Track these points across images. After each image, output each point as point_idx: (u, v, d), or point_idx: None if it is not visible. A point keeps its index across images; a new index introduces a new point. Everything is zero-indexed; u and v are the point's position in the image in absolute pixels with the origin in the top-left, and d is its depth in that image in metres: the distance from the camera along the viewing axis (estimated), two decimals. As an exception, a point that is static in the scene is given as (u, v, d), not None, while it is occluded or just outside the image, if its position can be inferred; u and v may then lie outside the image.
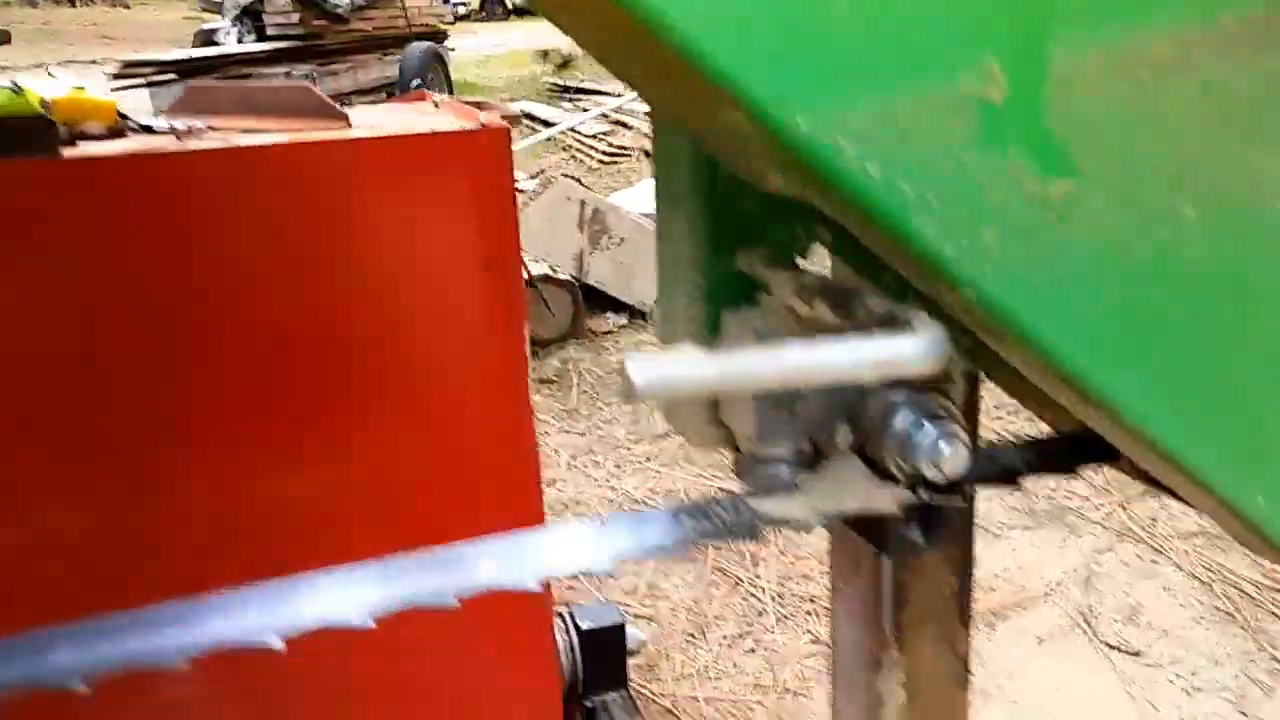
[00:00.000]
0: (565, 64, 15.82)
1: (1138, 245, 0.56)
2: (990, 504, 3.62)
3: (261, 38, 11.45)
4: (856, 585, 1.03)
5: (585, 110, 11.19)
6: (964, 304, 0.55)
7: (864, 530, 0.72)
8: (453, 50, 13.45)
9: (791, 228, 0.72)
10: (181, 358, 1.51)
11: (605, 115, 10.37)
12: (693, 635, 2.98)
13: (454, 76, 12.62)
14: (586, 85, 12.72)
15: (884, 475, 0.69)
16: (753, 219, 0.73)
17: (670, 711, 2.67)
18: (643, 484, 3.83)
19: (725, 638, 2.97)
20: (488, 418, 1.73)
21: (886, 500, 0.68)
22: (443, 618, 1.85)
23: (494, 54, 17.62)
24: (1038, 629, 2.94)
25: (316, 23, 11.25)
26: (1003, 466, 0.73)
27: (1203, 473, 0.63)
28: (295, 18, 11.14)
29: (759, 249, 0.72)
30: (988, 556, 3.30)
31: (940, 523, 0.70)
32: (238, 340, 1.54)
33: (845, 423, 0.71)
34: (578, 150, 9.75)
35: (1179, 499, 0.74)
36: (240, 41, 11.60)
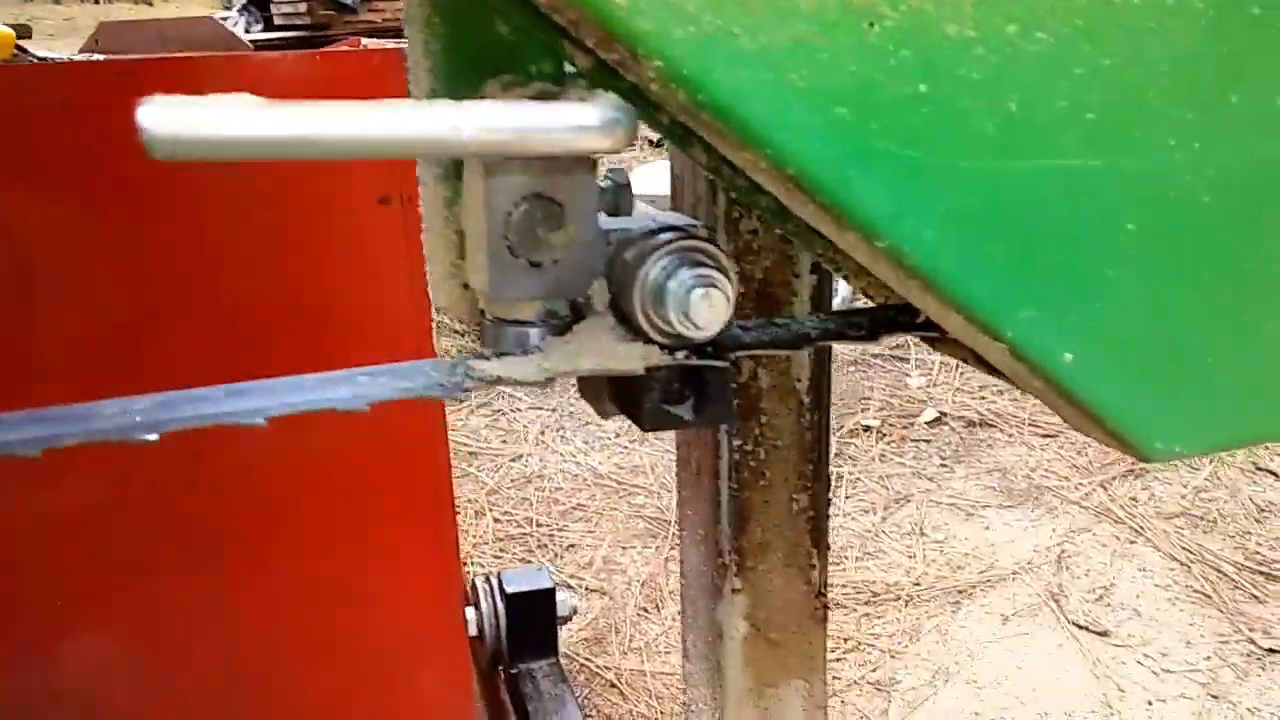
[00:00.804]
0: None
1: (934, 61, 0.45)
2: (965, 483, 3.50)
3: (269, 28, 11.40)
4: (698, 502, 0.93)
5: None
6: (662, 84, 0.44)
7: (625, 404, 0.61)
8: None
9: (542, 56, 0.62)
10: (48, 284, 1.42)
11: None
12: (645, 610, 2.87)
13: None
14: (594, 73, 12.61)
15: (638, 334, 0.58)
16: (501, 47, 0.62)
17: (614, 685, 2.57)
18: (609, 459, 3.73)
19: (678, 614, 2.86)
20: (387, 358, 1.63)
21: (631, 359, 0.58)
22: (342, 577, 1.75)
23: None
24: (1003, 608, 2.83)
25: (324, 13, 11.19)
26: (794, 334, 0.62)
27: (998, 322, 0.52)
28: (303, 8, 11.08)
29: (508, 80, 0.62)
30: (958, 534, 3.19)
31: (705, 393, 0.59)
32: (105, 267, 1.44)
33: (604, 278, 0.61)
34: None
35: (1004, 377, 0.63)
36: (247, 31, 11.55)
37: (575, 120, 0.46)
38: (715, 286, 0.56)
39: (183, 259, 1.47)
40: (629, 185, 0.72)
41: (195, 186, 1.46)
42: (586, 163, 0.61)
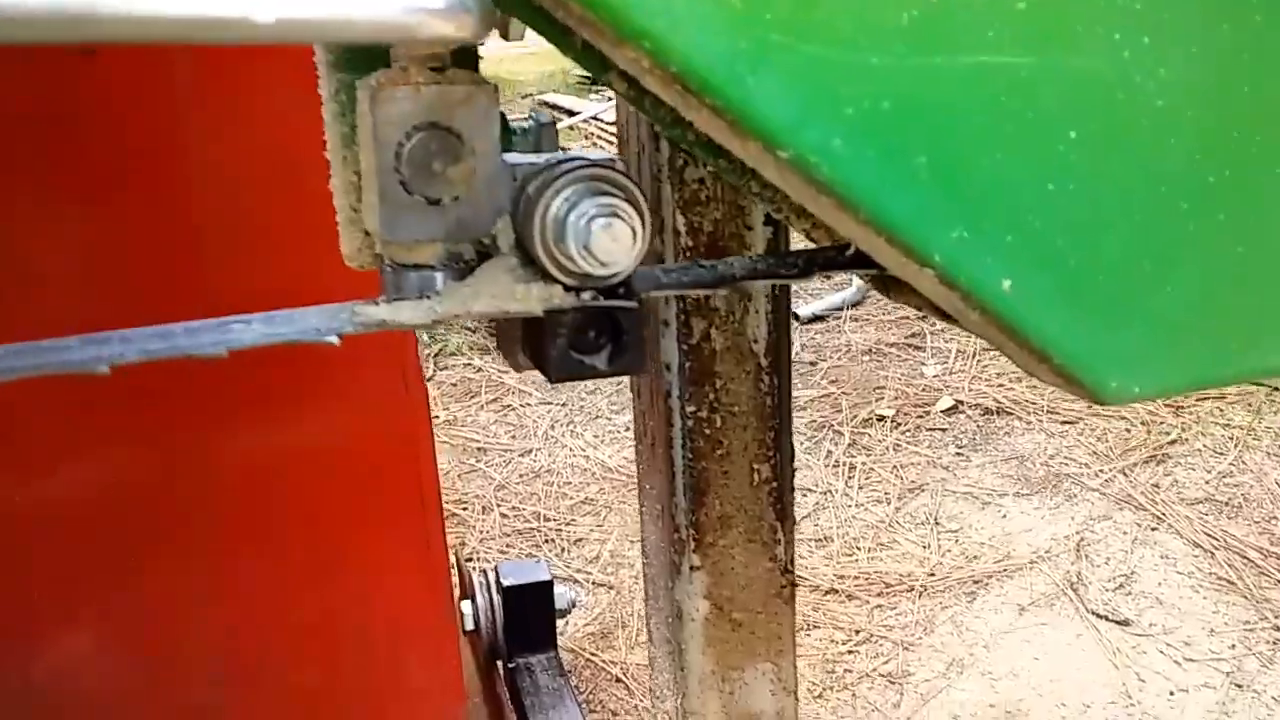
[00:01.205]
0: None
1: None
2: (982, 471, 3.42)
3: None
4: (654, 475, 0.88)
5: (610, 99, 11.11)
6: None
7: (535, 354, 0.56)
8: (482, 44, 13.39)
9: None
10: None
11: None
12: (653, 603, 2.82)
13: (484, 72, 12.51)
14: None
15: (542, 274, 0.53)
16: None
17: (619, 680, 2.52)
18: (618, 453, 3.68)
19: (686, 606, 2.81)
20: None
21: (529, 301, 0.53)
22: (327, 572, 1.71)
23: (530, 50, 17.53)
24: (1020, 597, 2.75)
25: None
26: (718, 274, 0.57)
27: (924, 244, 0.46)
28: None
29: None
30: (974, 524, 3.11)
31: (620, 340, 0.54)
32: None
33: (509, 217, 0.56)
34: (600, 138, 9.64)
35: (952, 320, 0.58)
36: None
37: (410, 2, 0.41)
38: (619, 217, 0.51)
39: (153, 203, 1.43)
40: (553, 124, 0.67)
41: (158, 153, 1.42)
42: (486, 89, 0.56)
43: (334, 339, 0.50)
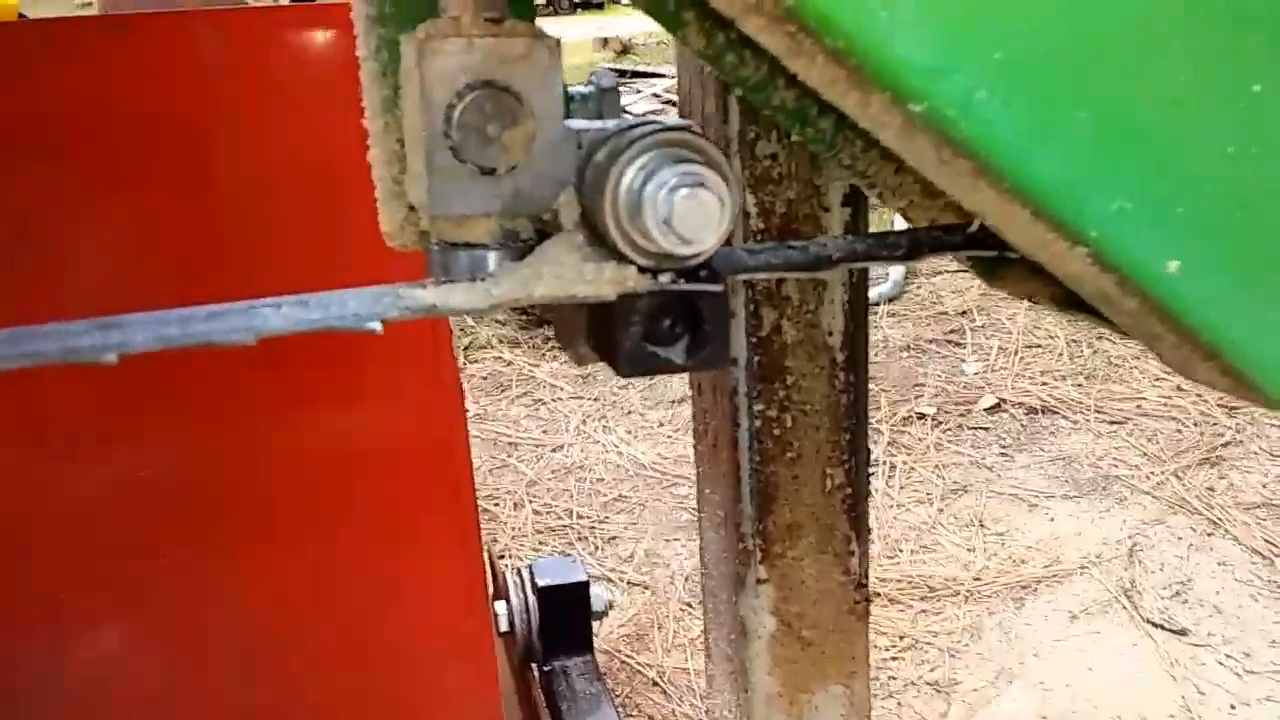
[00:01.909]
0: (625, 50, 15.78)
1: None
2: (1027, 472, 3.32)
3: None
4: (716, 479, 0.80)
5: (639, 92, 11.05)
6: None
7: (602, 346, 0.49)
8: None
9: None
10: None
11: (656, 95, 10.20)
12: (689, 605, 2.75)
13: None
14: (642, 69, 12.61)
15: (613, 253, 0.46)
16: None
17: (656, 683, 2.46)
18: (652, 449, 3.61)
19: (723, 608, 2.73)
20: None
21: (600, 283, 0.45)
22: (361, 572, 1.65)
23: (556, 42, 17.42)
24: (1071, 605, 2.65)
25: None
26: (812, 256, 0.49)
27: (1078, 217, 0.39)
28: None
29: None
30: (1021, 526, 3.02)
31: (700, 330, 0.47)
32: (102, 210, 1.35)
33: (574, 190, 0.49)
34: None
35: (1084, 311, 0.50)
36: None
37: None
38: (704, 185, 0.44)
39: (185, 209, 1.38)
40: (616, 89, 0.60)
41: (196, 136, 1.36)
42: (548, 42, 0.49)
43: (376, 325, 0.43)
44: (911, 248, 0.51)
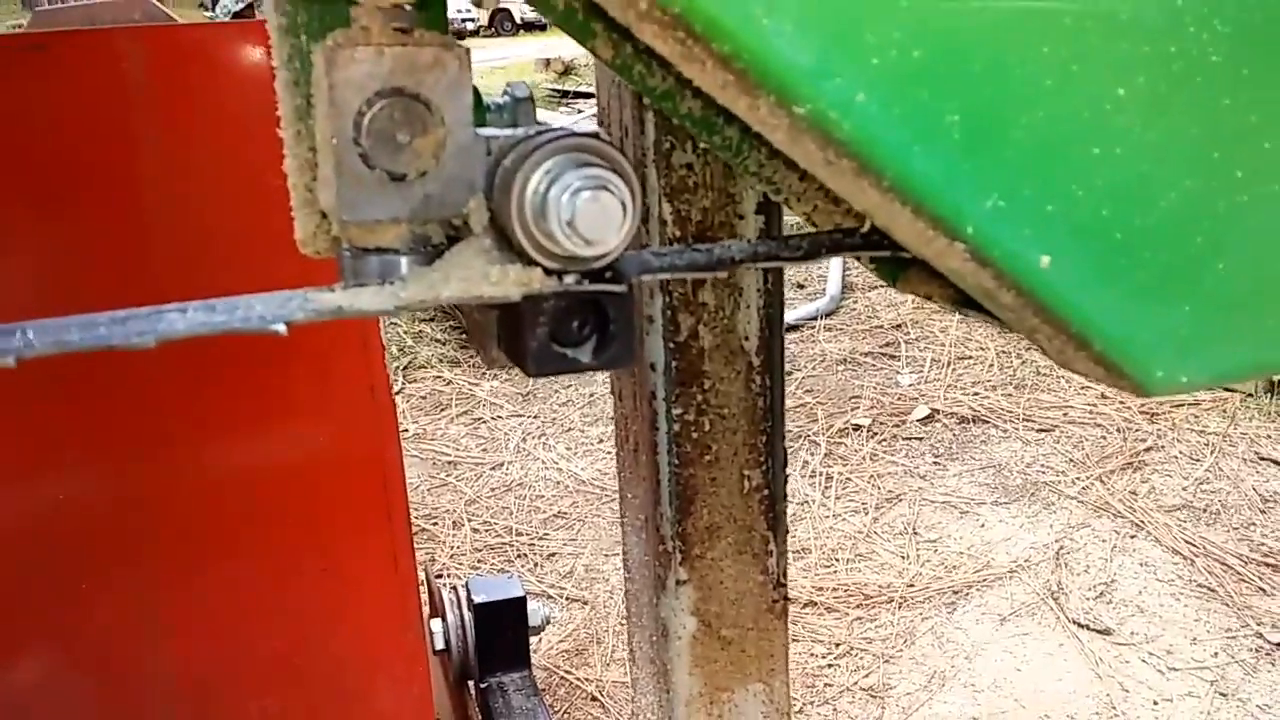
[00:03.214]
0: (567, 71, 15.85)
1: None
2: (959, 480, 3.39)
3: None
4: (636, 483, 0.82)
5: (580, 112, 11.10)
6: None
7: (512, 348, 0.50)
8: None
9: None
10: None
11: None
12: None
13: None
14: (583, 89, 12.65)
15: (519, 256, 0.47)
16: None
17: (595, 698, 2.45)
18: (591, 465, 3.61)
19: (663, 621, 2.74)
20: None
21: (505, 285, 0.47)
22: (297, 591, 1.63)
23: (499, 65, 17.43)
24: (1001, 607, 2.71)
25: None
26: (715, 258, 0.51)
27: (955, 214, 0.41)
28: None
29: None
30: (953, 533, 3.08)
31: (607, 330, 0.48)
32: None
33: (482, 195, 0.50)
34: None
35: (976, 309, 0.52)
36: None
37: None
38: (606, 189, 0.45)
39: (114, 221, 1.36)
40: (530, 99, 0.61)
41: (109, 149, 1.35)
42: (457, 52, 0.50)
43: (281, 327, 0.44)
44: (811, 249, 0.53)
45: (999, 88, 0.40)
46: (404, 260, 0.51)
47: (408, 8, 0.49)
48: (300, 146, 0.54)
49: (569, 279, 0.47)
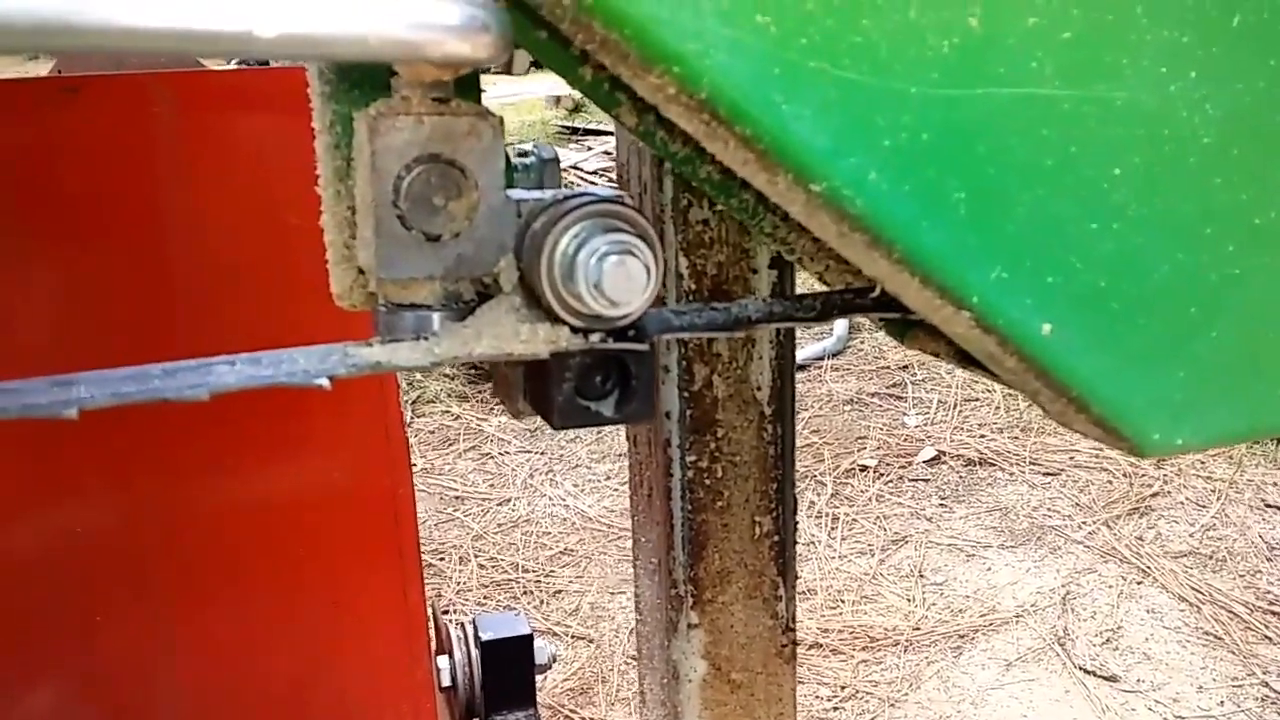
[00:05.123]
0: (576, 109, 16.03)
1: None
2: (965, 523, 3.39)
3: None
4: (650, 527, 0.84)
5: (589, 149, 11.23)
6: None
7: (538, 401, 0.53)
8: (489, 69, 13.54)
9: None
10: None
11: (607, 152, 10.37)
12: (633, 658, 2.75)
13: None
14: (593, 126, 12.81)
15: (547, 315, 0.50)
16: None
17: (599, 738, 2.45)
18: (598, 502, 3.63)
19: (668, 660, 2.74)
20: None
21: (535, 342, 0.49)
22: (306, 625, 1.65)
23: (509, 102, 17.64)
24: (1007, 652, 2.71)
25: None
26: (733, 317, 0.54)
27: (961, 285, 0.44)
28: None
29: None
30: (959, 576, 3.08)
31: (629, 386, 0.51)
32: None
33: (512, 255, 0.53)
34: (580, 184, 9.70)
35: (982, 369, 0.55)
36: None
37: (425, 18, 0.38)
38: (632, 253, 0.48)
39: (136, 265, 1.39)
40: (556, 160, 0.64)
41: (139, 191, 1.38)
42: (492, 120, 0.53)
43: (324, 382, 0.46)
44: (824, 309, 0.55)
45: (1002, 167, 0.42)
46: (436, 316, 0.53)
47: (446, 80, 0.52)
48: (339, 205, 0.57)
49: (594, 337, 0.50)
